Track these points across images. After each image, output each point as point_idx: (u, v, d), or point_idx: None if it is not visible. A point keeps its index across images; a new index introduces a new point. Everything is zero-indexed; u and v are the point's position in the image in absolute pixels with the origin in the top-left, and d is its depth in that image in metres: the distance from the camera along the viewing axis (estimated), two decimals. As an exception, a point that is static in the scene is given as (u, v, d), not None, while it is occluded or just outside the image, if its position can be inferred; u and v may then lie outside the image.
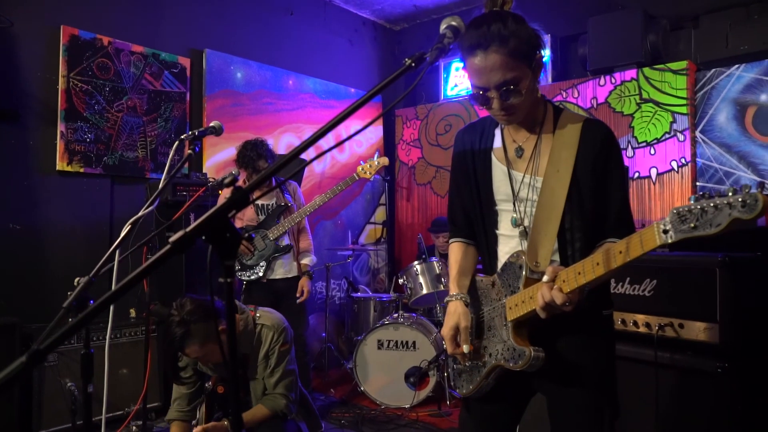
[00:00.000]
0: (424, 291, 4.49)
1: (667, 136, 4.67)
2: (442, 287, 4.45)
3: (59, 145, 4.06)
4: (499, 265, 1.72)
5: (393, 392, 4.34)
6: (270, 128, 5.43)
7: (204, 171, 4.76)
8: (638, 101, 4.81)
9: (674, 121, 4.64)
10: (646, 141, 4.77)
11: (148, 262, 0.88)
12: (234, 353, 0.96)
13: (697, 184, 4.61)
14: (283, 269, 4.14)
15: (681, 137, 4.61)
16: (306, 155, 5.31)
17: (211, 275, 0.98)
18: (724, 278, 1.94)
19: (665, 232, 1.18)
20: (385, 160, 4.29)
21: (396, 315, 4.55)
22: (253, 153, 3.99)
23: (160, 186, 1.99)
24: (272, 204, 4.18)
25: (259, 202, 4.17)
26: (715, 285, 1.96)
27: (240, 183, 4.13)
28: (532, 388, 1.79)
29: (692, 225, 1.13)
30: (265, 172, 0.99)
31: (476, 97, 1.58)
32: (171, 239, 0.89)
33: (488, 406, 1.77)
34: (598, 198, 1.60)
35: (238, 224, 4.12)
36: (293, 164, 4.55)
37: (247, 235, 4.04)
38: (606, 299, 1.71)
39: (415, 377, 4.28)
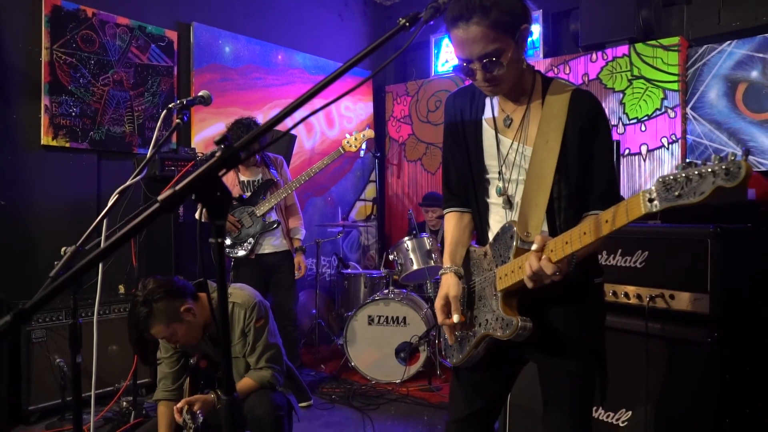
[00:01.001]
0: (415, 267, 4.49)
1: (658, 112, 4.66)
2: (432, 263, 4.46)
3: (43, 119, 3.99)
4: (491, 234, 1.73)
5: (383, 368, 4.36)
6: (259, 104, 5.37)
7: (192, 146, 4.70)
8: (629, 78, 4.79)
9: (665, 98, 4.63)
10: (636, 118, 4.76)
11: (137, 221, 0.85)
12: (225, 318, 0.94)
13: (687, 161, 4.62)
14: (272, 244, 4.11)
15: (672, 114, 4.60)
16: (295, 131, 5.26)
17: (201, 237, 0.96)
18: (716, 249, 1.94)
19: (651, 200, 1.18)
20: (370, 133, 4.28)
21: (386, 291, 4.55)
22: (244, 133, 3.92)
23: (148, 155, 1.95)
24: (258, 180, 4.14)
25: (243, 179, 4.13)
26: (706, 256, 1.96)
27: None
28: (523, 358, 1.80)
29: (677, 193, 1.12)
30: (256, 131, 0.96)
31: (460, 68, 1.58)
32: (160, 197, 0.86)
33: (478, 375, 1.78)
34: (585, 169, 1.60)
35: None
36: (282, 140, 4.51)
37: (234, 203, 4.01)
38: (596, 267, 1.72)
39: (406, 352, 4.30)
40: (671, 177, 1.13)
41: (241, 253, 4.05)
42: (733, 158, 1.05)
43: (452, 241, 1.82)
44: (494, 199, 1.73)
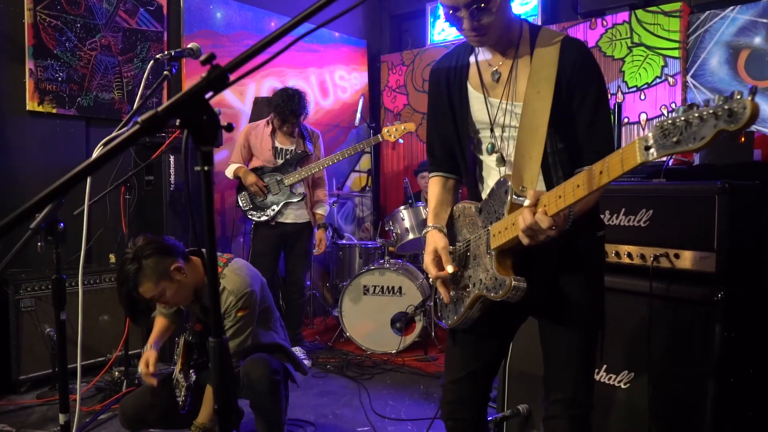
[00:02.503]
0: (410, 236, 4.43)
1: (658, 80, 4.58)
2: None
3: (28, 84, 3.87)
4: (486, 191, 1.68)
5: (379, 338, 4.33)
6: (252, 72, 5.23)
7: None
8: (629, 45, 4.70)
9: (665, 65, 4.55)
10: (636, 86, 4.68)
11: (117, 141, 0.78)
12: (213, 255, 0.87)
13: (689, 103, 4.55)
14: (294, 213, 4.19)
15: (672, 82, 4.52)
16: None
17: (192, 208, 0.89)
18: (723, 206, 1.88)
19: (647, 148, 1.10)
20: (411, 126, 4.44)
21: (382, 261, 4.50)
22: (286, 106, 4.01)
23: (135, 106, 1.87)
24: (292, 149, 4.20)
25: (278, 145, 4.19)
26: (713, 213, 1.90)
27: (269, 128, 4.17)
28: (521, 315, 1.75)
29: (675, 139, 1.04)
30: (249, 50, 0.88)
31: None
32: (140, 118, 0.79)
33: (473, 337, 1.73)
34: (580, 123, 1.55)
35: (255, 163, 4.18)
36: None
37: (261, 170, 4.15)
38: (596, 221, 1.66)
39: (401, 323, 4.26)
40: (669, 122, 1.05)
41: (263, 218, 4.12)
42: (739, 97, 0.96)
43: (436, 203, 1.80)
44: (486, 157, 1.68)
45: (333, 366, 4.05)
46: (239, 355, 2.40)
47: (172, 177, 4.00)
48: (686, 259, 1.98)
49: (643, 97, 4.65)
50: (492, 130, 1.64)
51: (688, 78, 4.51)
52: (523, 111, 1.55)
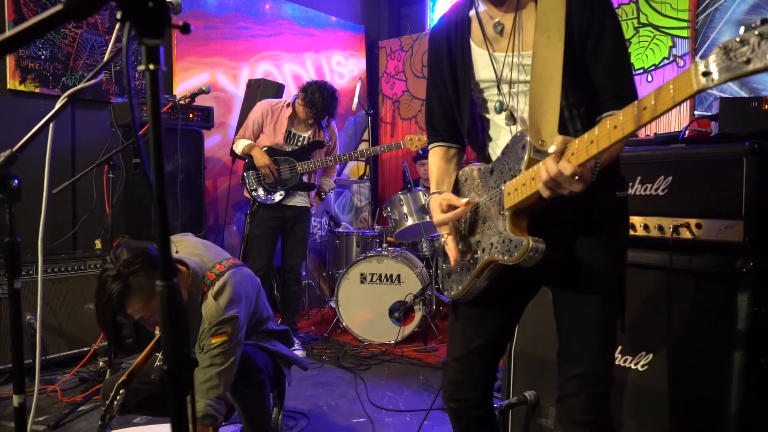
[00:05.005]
0: (409, 222, 4.26)
1: (666, 62, 4.42)
2: (427, 218, 4.23)
3: (9, 61, 3.70)
4: (495, 152, 1.53)
5: (377, 328, 4.16)
6: (246, 55, 5.08)
7: (174, 94, 4.42)
8: (636, 25, 4.54)
9: (674, 46, 4.39)
10: (643, 68, 4.51)
11: (38, 19, 0.61)
12: (160, 164, 0.70)
13: (695, 113, 4.39)
14: (295, 199, 4.07)
15: (680, 63, 4.36)
16: (285, 84, 4.98)
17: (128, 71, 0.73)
18: (751, 168, 1.72)
19: (706, 74, 0.93)
20: None
21: (380, 249, 4.33)
22: (324, 107, 3.90)
23: (106, 58, 1.71)
24: (308, 137, 4.08)
25: (293, 131, 4.06)
26: (740, 177, 1.74)
27: (288, 110, 4.02)
28: (533, 288, 1.60)
29: (745, 59, 0.87)
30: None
31: None
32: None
33: (478, 309, 1.57)
34: (596, 70, 1.40)
35: (263, 141, 4.03)
36: (269, 88, 4.23)
37: (273, 152, 3.99)
38: (618, 180, 1.50)
39: (400, 312, 4.09)
40: (736, 40, 0.88)
41: (268, 202, 4.00)
42: None
43: (438, 173, 1.67)
44: (494, 117, 1.53)
45: (328, 357, 3.88)
46: (219, 406, 2.00)
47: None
48: (709, 229, 1.81)
49: (650, 79, 4.49)
50: (499, 88, 1.49)
51: (698, 59, 4.33)
52: (533, 61, 1.40)
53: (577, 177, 1.16)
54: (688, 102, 4.35)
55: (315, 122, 4.03)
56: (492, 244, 1.41)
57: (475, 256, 1.47)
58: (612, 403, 1.49)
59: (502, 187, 1.39)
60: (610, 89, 1.38)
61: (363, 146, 4.12)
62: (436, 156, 1.69)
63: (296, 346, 3.94)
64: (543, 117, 1.37)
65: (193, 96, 3.65)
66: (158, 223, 0.71)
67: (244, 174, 4.05)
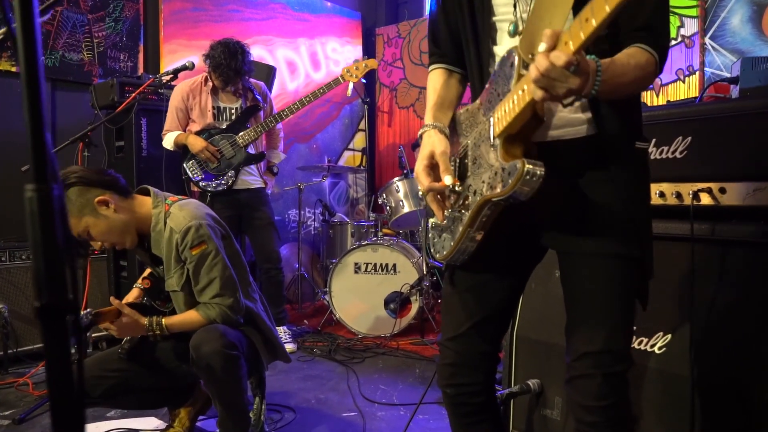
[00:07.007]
0: (406, 209, 4.07)
1: (674, 43, 4.22)
2: (424, 205, 4.03)
3: (-15, 37, 3.51)
4: None
5: (371, 320, 3.96)
6: (237, 38, 4.88)
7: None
8: (643, 6, 4.34)
9: (681, 26, 4.20)
10: (650, 49, 4.32)
11: None
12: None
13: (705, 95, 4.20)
14: (244, 179, 3.63)
15: (689, 44, 4.17)
16: (279, 71, 4.79)
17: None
18: (784, 123, 1.53)
19: None
20: (373, 63, 3.95)
21: (375, 238, 4.14)
22: (228, 66, 3.46)
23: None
24: (238, 107, 3.66)
25: (221, 104, 3.65)
26: (769, 133, 1.55)
27: (209, 85, 3.60)
28: (537, 251, 1.39)
29: None
30: None
31: None
32: None
33: (480, 277, 1.36)
34: None
35: (194, 127, 3.58)
36: (261, 72, 4.01)
37: (207, 133, 3.55)
38: (637, 127, 1.28)
39: (396, 303, 3.89)
40: None
41: (221, 188, 3.55)
42: None
43: (437, 100, 1.41)
44: (506, 44, 1.30)
45: (320, 350, 3.68)
46: (236, 306, 2.05)
47: (144, 142, 3.64)
48: (735, 193, 1.62)
49: (657, 61, 4.29)
50: (515, 5, 1.25)
51: (707, 39, 4.15)
52: None
53: (572, 68, 0.95)
54: (698, 84, 4.17)
55: (234, 87, 3.60)
56: (484, 181, 1.19)
57: (467, 202, 1.25)
58: (630, 387, 1.29)
59: (491, 117, 1.18)
60: (639, 17, 1.15)
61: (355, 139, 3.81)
62: (437, 80, 1.45)
63: (287, 337, 3.73)
64: (542, 29, 1.14)
65: (176, 72, 3.42)
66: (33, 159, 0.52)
67: (184, 166, 3.56)
